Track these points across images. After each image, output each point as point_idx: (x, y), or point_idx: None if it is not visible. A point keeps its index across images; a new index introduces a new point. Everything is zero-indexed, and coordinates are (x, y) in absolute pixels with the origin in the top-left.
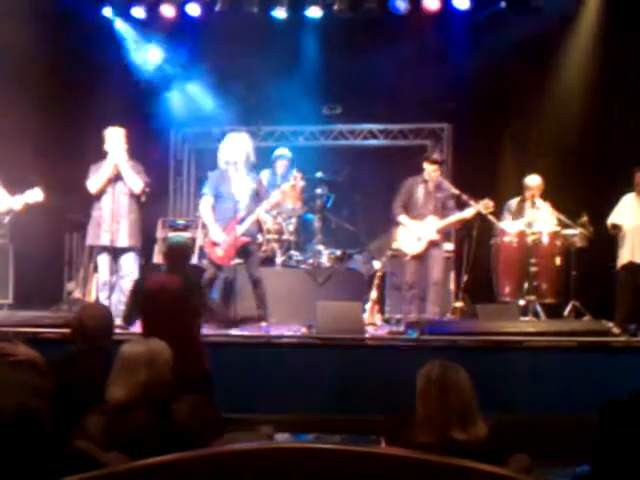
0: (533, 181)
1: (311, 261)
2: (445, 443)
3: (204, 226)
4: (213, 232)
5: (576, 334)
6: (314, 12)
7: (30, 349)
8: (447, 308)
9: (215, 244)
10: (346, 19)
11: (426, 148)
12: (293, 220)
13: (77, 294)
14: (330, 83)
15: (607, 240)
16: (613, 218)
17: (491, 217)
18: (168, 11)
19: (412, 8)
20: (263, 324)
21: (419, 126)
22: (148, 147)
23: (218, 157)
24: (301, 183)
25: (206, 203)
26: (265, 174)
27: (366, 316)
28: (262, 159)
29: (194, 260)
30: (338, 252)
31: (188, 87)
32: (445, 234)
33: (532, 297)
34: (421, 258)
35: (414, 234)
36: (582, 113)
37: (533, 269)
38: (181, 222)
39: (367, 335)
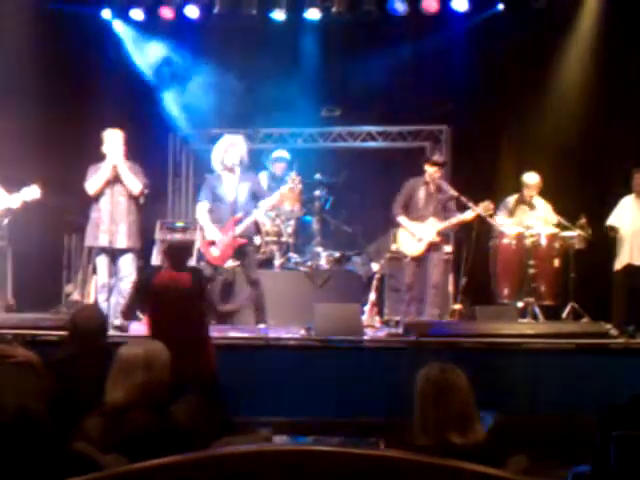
0: (532, 179)
1: (310, 263)
2: (443, 445)
3: (202, 229)
4: (209, 231)
5: (575, 336)
6: (313, 14)
7: (28, 351)
8: (446, 310)
9: (211, 244)
10: (345, 21)
11: (425, 150)
12: (292, 222)
13: (76, 296)
14: (329, 85)
15: (606, 242)
16: (612, 220)
17: (491, 219)
18: (167, 13)
19: (411, 10)
20: (261, 326)
21: (418, 128)
22: (147, 149)
23: (212, 159)
24: (299, 185)
25: (202, 208)
26: (263, 176)
27: (365, 318)
28: (260, 161)
29: (192, 262)
30: (337, 254)
31: (187, 89)
32: (444, 236)
33: (531, 299)
34: (420, 260)
35: (414, 236)
36: (581, 115)
37: (532, 271)
38: (180, 224)
39: (366, 337)
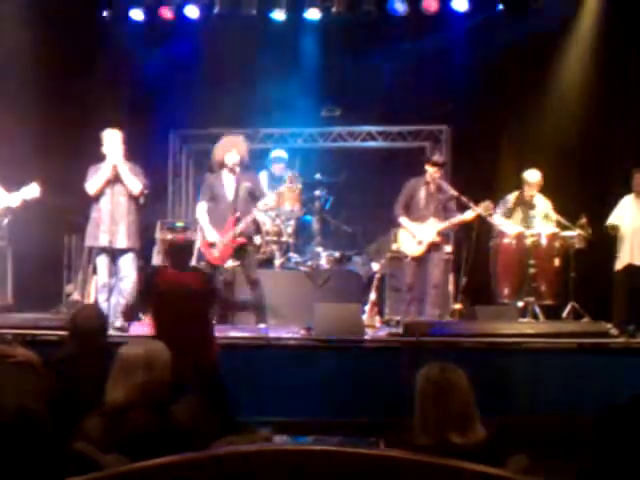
0: (533, 177)
1: (310, 263)
2: (444, 445)
3: (202, 229)
4: (208, 233)
5: (575, 335)
6: (313, 14)
7: (28, 351)
8: (446, 310)
9: (211, 245)
10: (345, 21)
11: (425, 150)
12: (292, 222)
13: (76, 296)
14: (329, 85)
15: (606, 242)
16: (612, 219)
17: (491, 219)
18: (167, 13)
19: (411, 10)
20: (262, 326)
21: (418, 128)
22: (147, 149)
23: (212, 159)
24: (299, 185)
25: (201, 209)
26: (263, 176)
27: (365, 318)
28: (260, 161)
29: (192, 262)
30: (337, 254)
31: (187, 89)
32: (445, 236)
33: (531, 299)
34: (421, 260)
35: (415, 236)
36: (581, 115)
37: (532, 271)
38: (180, 224)
39: (366, 337)
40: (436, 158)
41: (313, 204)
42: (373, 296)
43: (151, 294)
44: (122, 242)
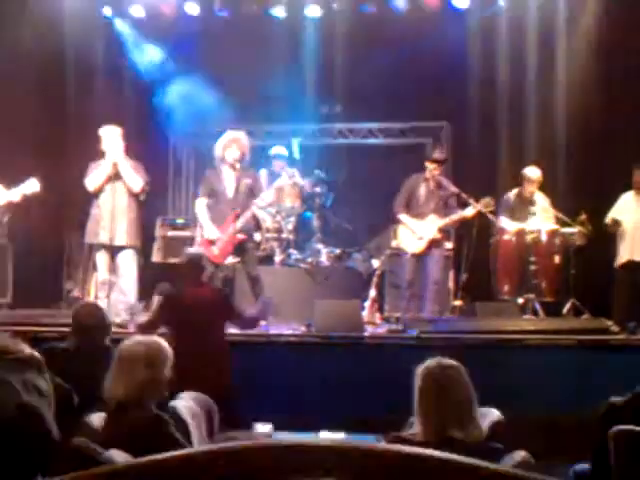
0: (533, 173)
1: (310, 260)
2: (444, 441)
3: (201, 226)
4: (208, 230)
5: (575, 332)
6: (313, 11)
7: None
8: (446, 306)
9: (211, 242)
10: (345, 18)
11: (425, 146)
12: (292, 219)
13: (76, 293)
14: (329, 82)
15: (606, 238)
16: (612, 216)
17: (491, 216)
18: (167, 10)
19: (411, 7)
20: (262, 323)
21: (418, 124)
22: (147, 145)
23: (214, 155)
24: (300, 181)
25: (200, 204)
26: (263, 173)
27: (365, 314)
28: (261, 158)
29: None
30: (337, 251)
31: (187, 85)
32: (445, 233)
33: (531, 295)
34: (421, 256)
35: (415, 233)
36: (581, 111)
37: (532, 267)
38: (180, 221)
39: (366, 334)
40: (436, 155)
41: (313, 201)
42: (373, 293)
43: (172, 314)
44: (122, 239)
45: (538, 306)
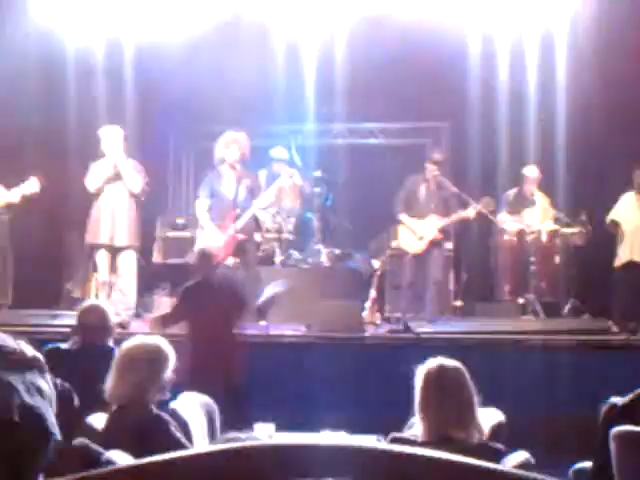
0: (532, 172)
1: (310, 260)
2: (444, 441)
3: (202, 227)
4: (209, 232)
5: (575, 332)
6: None
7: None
8: (447, 307)
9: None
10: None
11: (425, 147)
12: (292, 219)
13: (76, 293)
14: (329, 82)
15: (606, 239)
16: (612, 216)
17: (492, 216)
18: None
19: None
20: (262, 323)
21: (418, 125)
22: (148, 145)
23: (214, 155)
24: (300, 182)
25: (201, 205)
26: (263, 174)
27: (365, 315)
28: (260, 158)
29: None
30: (337, 251)
31: (187, 86)
32: (445, 233)
33: (531, 296)
34: (421, 257)
35: (416, 233)
36: (581, 110)
37: (532, 268)
38: (180, 221)
39: (366, 334)
40: (436, 156)
41: (313, 201)
42: (373, 293)
43: (188, 309)
44: (122, 239)
45: (538, 306)
